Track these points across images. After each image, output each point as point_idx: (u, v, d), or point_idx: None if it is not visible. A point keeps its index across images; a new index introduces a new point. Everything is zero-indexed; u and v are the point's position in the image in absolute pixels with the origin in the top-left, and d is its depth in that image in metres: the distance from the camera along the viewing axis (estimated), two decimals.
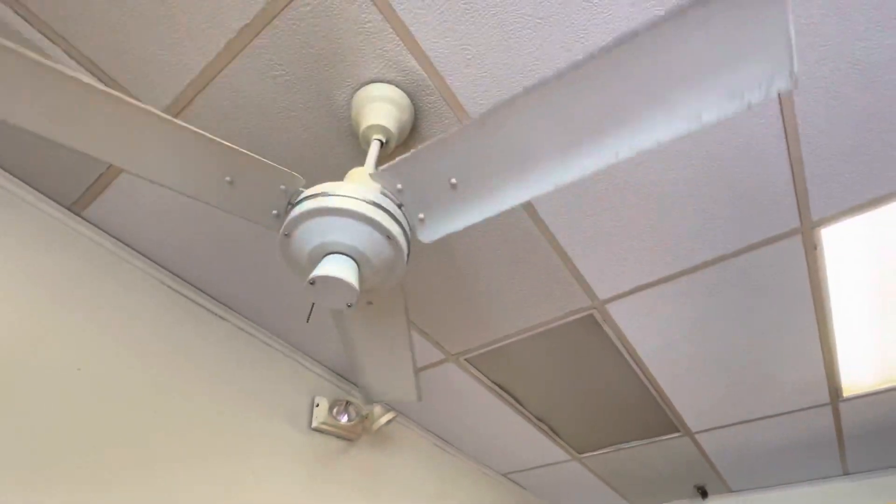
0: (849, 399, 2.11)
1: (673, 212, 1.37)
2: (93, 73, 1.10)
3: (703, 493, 2.96)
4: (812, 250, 1.46)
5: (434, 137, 0.73)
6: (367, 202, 0.71)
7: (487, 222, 1.41)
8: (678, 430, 2.40)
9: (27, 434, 1.16)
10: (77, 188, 1.37)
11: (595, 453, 2.62)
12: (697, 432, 2.41)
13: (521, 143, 0.67)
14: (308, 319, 0.81)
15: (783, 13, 0.56)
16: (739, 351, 1.86)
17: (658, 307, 1.68)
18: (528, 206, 1.36)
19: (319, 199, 0.71)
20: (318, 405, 1.88)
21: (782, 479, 2.82)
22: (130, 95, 1.15)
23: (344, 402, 1.86)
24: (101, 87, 0.74)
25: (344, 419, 1.84)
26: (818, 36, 0.99)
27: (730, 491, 2.99)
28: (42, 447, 1.17)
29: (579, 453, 2.63)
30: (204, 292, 1.67)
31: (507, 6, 0.97)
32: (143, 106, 0.77)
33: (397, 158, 0.75)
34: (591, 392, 2.14)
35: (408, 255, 0.78)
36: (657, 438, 2.47)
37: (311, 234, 0.71)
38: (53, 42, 1.05)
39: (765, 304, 1.64)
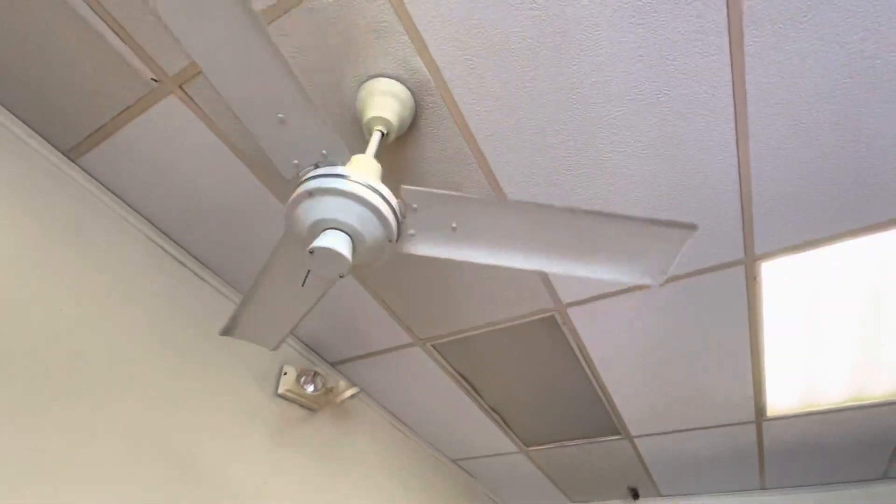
0: (772, 419, 2.33)
1: None
2: (114, 31, 1.15)
3: (635, 495, 3.18)
4: (752, 281, 1.64)
5: (464, 194, 0.92)
6: (373, 190, 0.81)
7: None
8: (619, 433, 2.58)
9: (9, 370, 1.20)
10: (76, 135, 1.40)
11: (541, 447, 2.79)
12: (636, 436, 2.60)
13: (508, 233, 0.89)
14: (303, 284, 0.88)
15: None
16: (679, 365, 2.04)
17: (613, 316, 1.83)
18: None
19: (332, 179, 0.80)
20: (285, 373, 1.96)
21: (707, 488, 3.07)
22: (145, 55, 1.20)
23: (312, 373, 1.94)
24: None
25: (310, 389, 1.93)
26: (774, 94, 1.14)
27: (659, 495, 3.22)
28: (22, 384, 1.22)
29: (527, 446, 2.79)
30: (187, 251, 1.72)
31: (512, 30, 1.08)
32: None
33: (433, 190, 0.90)
34: (545, 389, 2.29)
35: (398, 234, 0.88)
36: (600, 439, 2.65)
37: (317, 210, 0.80)
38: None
39: (706, 324, 1.82)
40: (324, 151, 0.84)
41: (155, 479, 1.43)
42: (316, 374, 1.94)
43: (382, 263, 0.98)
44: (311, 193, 0.81)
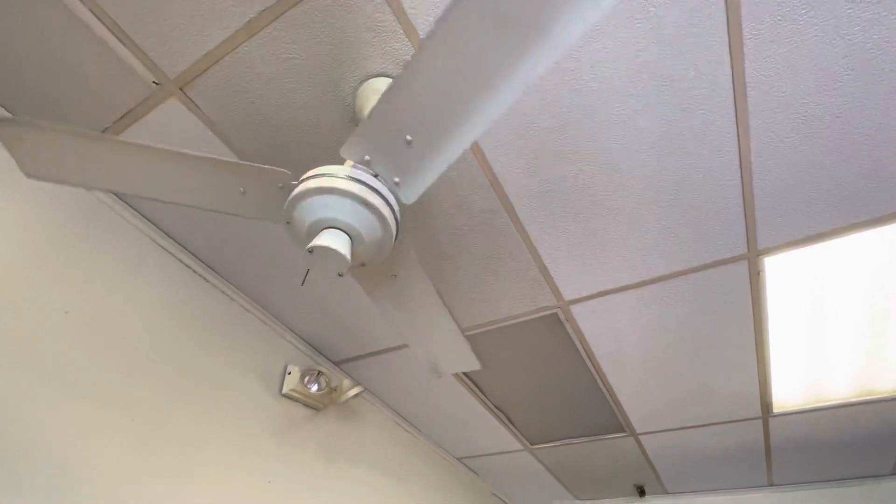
0: (778, 415, 2.31)
1: (638, 227, 1.50)
2: (113, 32, 1.16)
3: (642, 492, 3.17)
4: (756, 276, 1.63)
5: (376, 101, 0.79)
6: (347, 178, 0.81)
7: (470, 219, 1.52)
8: (624, 431, 2.57)
9: (17, 369, 1.22)
10: None
11: (546, 445, 2.79)
12: (641, 434, 2.59)
13: (450, 86, 0.74)
14: (303, 283, 0.89)
15: None
16: (684, 361, 2.03)
17: (616, 313, 1.83)
18: (508, 206, 1.48)
19: (306, 182, 0.81)
20: (290, 373, 1.97)
21: (713, 485, 3.05)
22: (146, 59, 1.21)
23: (316, 372, 1.95)
24: (129, 140, 0.85)
25: (314, 388, 1.94)
26: (773, 89, 1.13)
27: (666, 492, 3.21)
28: (29, 383, 1.23)
29: (531, 444, 2.79)
30: (191, 253, 1.74)
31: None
32: (164, 148, 0.87)
33: (356, 130, 0.82)
34: (549, 387, 2.29)
35: (396, 230, 0.89)
36: (605, 437, 2.64)
37: (306, 213, 0.81)
38: (81, 1, 1.10)
39: (710, 319, 1.81)
40: (279, 185, 0.83)
41: (161, 479, 1.45)
42: (320, 373, 1.95)
43: (381, 262, 0.98)
44: (309, 193, 0.82)
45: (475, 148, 1.33)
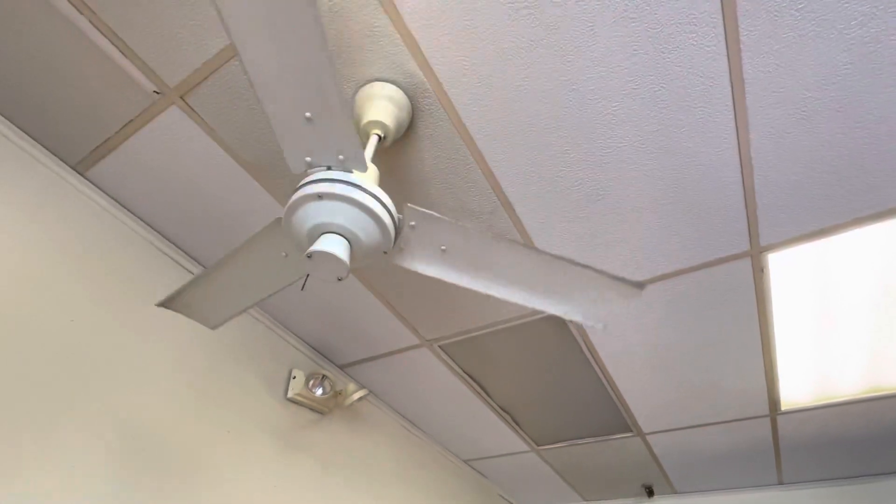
0: (786, 412, 2.29)
1: (639, 226, 1.50)
2: (114, 44, 1.18)
3: (650, 493, 3.15)
4: (759, 272, 1.62)
5: (459, 223, 0.96)
6: (372, 196, 0.82)
7: (468, 218, 1.52)
8: (631, 430, 2.56)
9: (25, 380, 1.23)
10: (83, 149, 1.44)
11: (552, 446, 2.77)
12: (648, 433, 2.58)
13: (493, 266, 0.98)
14: (303, 288, 0.90)
15: None
16: (689, 359, 2.01)
17: (620, 312, 1.82)
18: (508, 206, 1.48)
19: (325, 184, 0.81)
20: (294, 377, 1.98)
21: (723, 484, 3.03)
22: (146, 68, 1.22)
23: (320, 376, 1.96)
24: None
25: (318, 392, 1.94)
26: (772, 83, 1.13)
27: (675, 492, 3.19)
28: (38, 392, 1.25)
29: (538, 445, 2.78)
30: (193, 258, 1.75)
31: (504, 28, 1.08)
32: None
33: (433, 213, 0.93)
34: (554, 387, 2.28)
35: (396, 235, 0.89)
36: (611, 437, 2.63)
37: (315, 214, 0.82)
38: (80, 12, 1.12)
39: (715, 317, 1.80)
40: (341, 157, 0.84)
41: (169, 484, 1.45)
42: (324, 377, 1.96)
43: (379, 266, 0.98)
44: (309, 197, 0.82)
45: (473, 149, 1.33)
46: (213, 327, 1.18)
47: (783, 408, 2.25)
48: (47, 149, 1.43)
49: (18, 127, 1.38)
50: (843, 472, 2.71)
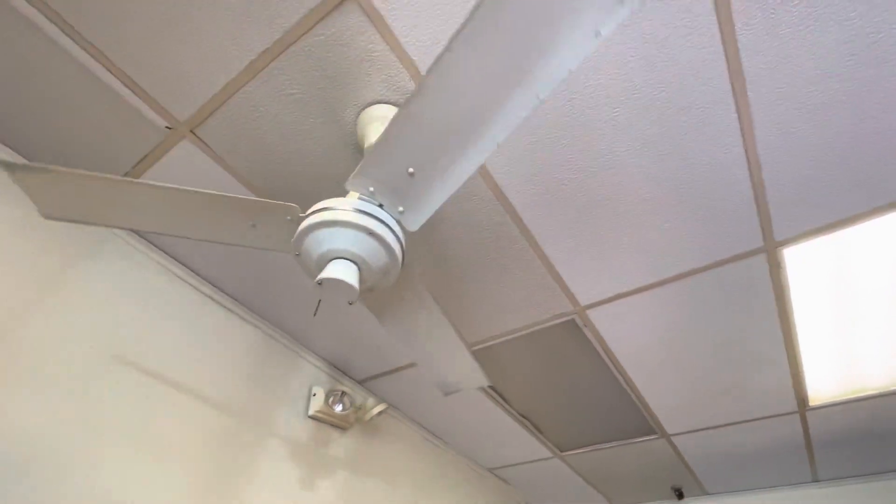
0: (815, 408, 2.23)
1: (649, 227, 1.49)
2: (125, 84, 1.23)
3: (680, 495, 3.09)
4: (776, 268, 1.59)
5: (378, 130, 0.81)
6: (353, 210, 0.84)
7: (477, 230, 1.53)
8: (655, 433, 2.52)
9: (73, 396, 1.28)
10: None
11: (576, 452, 2.75)
12: (673, 435, 2.53)
13: (450, 119, 0.77)
14: (315, 314, 0.92)
15: None
16: (709, 358, 1.98)
17: (635, 314, 1.81)
18: (515, 216, 1.49)
19: (314, 215, 0.84)
20: (314, 395, 2.00)
21: (755, 484, 2.95)
22: (156, 105, 1.27)
23: (339, 393, 1.98)
24: (144, 182, 0.91)
25: (339, 408, 1.97)
26: (773, 80, 1.12)
27: (706, 493, 3.12)
28: (82, 409, 1.29)
29: (561, 451, 2.76)
30: (211, 283, 1.80)
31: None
32: (182, 188, 0.92)
33: (359, 164, 0.86)
34: (573, 392, 2.27)
35: (402, 256, 0.91)
36: (635, 440, 2.59)
37: (314, 245, 0.84)
38: (93, 57, 1.17)
39: (733, 315, 1.77)
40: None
41: (198, 501, 1.49)
42: (343, 393, 1.98)
43: (388, 286, 1.00)
44: (316, 226, 0.85)
45: (490, 183, 1.35)
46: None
47: (811, 403, 2.20)
48: None
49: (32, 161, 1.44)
50: (880, 466, 2.62)
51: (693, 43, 1.08)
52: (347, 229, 0.83)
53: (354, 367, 2.21)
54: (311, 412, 1.97)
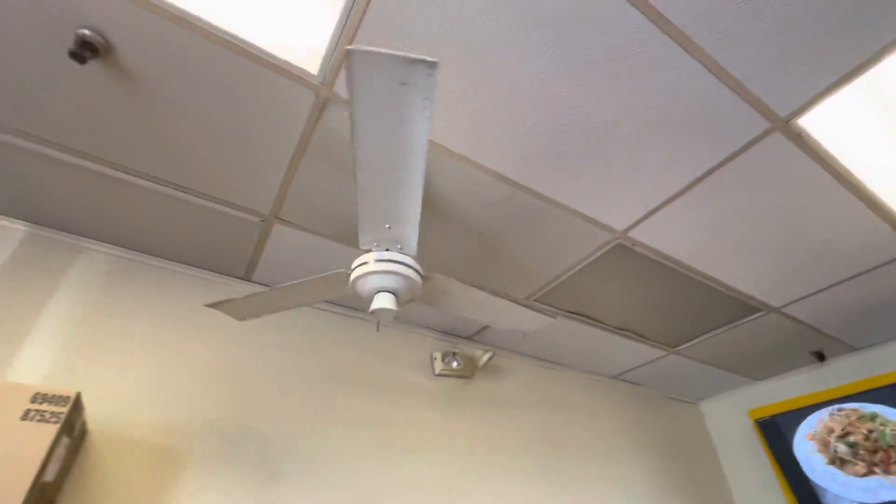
0: None
1: (651, 148, 1.59)
2: (210, 201, 1.79)
3: (821, 357, 3.02)
4: (799, 138, 1.57)
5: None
6: (374, 261, 1.25)
7: (498, 209, 1.81)
8: (760, 310, 2.55)
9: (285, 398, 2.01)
10: (241, 265, 2.15)
11: (687, 345, 2.90)
12: (782, 307, 2.53)
13: (381, 174, 1.11)
14: (377, 330, 1.34)
15: None
16: (782, 233, 1.98)
17: (675, 221, 1.91)
18: (522, 188, 1.73)
19: (356, 270, 1.27)
20: (435, 358, 2.55)
21: None
22: (240, 207, 1.82)
23: (451, 353, 2.50)
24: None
25: (455, 364, 2.49)
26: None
27: (851, 349, 3.00)
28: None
29: (673, 347, 2.94)
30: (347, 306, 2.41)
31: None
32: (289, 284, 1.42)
33: (359, 231, 1.26)
34: (659, 299, 2.43)
35: (418, 274, 1.31)
36: (742, 321, 2.65)
37: (361, 289, 1.28)
38: (164, 185, 1.75)
39: (779, 191, 1.77)
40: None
41: (376, 454, 2.16)
42: (454, 353, 2.49)
43: (420, 296, 1.42)
44: (357, 277, 1.28)
45: (465, 159, 1.63)
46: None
47: None
48: (214, 270, 2.19)
49: (183, 262, 2.15)
50: None
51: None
52: (377, 274, 1.26)
53: (461, 329, 2.70)
54: (437, 371, 2.53)
